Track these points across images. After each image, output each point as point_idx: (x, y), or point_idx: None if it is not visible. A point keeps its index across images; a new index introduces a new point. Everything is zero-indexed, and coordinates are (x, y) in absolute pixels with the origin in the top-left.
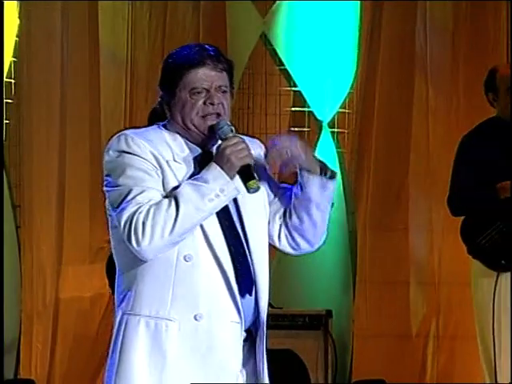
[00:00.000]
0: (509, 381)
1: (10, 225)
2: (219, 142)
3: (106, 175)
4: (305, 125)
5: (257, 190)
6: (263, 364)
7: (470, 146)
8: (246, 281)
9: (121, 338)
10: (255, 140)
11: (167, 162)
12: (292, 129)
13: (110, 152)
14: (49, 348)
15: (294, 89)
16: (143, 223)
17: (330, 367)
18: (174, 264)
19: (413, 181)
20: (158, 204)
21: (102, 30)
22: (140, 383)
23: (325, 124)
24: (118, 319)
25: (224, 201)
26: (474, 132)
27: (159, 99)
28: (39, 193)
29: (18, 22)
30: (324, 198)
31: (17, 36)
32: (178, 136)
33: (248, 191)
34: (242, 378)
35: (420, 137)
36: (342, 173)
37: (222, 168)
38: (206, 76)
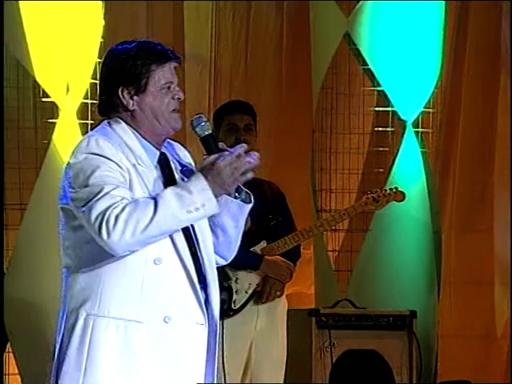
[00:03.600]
0: None
1: None
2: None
3: (72, 177)
4: (388, 125)
5: (244, 200)
6: (216, 361)
7: None
8: (203, 282)
9: (87, 339)
10: (177, 144)
11: (133, 165)
12: (376, 129)
13: (78, 154)
14: None
15: (377, 88)
16: (116, 216)
17: (414, 368)
18: (143, 267)
19: (498, 180)
20: (135, 202)
21: (186, 29)
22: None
23: (409, 124)
24: (80, 321)
25: (202, 215)
26: None
27: (101, 92)
28: None
29: (103, 23)
30: (242, 219)
31: (102, 37)
32: (131, 134)
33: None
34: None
35: (505, 136)
36: (426, 173)
37: (209, 183)
38: (171, 72)
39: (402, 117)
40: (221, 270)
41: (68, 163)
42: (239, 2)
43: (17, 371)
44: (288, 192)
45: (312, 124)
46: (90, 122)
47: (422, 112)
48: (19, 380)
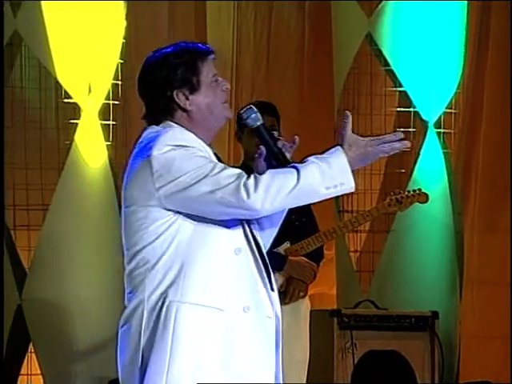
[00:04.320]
0: None
1: (117, 226)
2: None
3: (161, 168)
4: (410, 125)
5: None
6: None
7: None
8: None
9: (171, 325)
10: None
11: (209, 155)
12: (398, 129)
13: (161, 146)
14: None
15: (399, 89)
16: (256, 179)
17: (436, 369)
18: (225, 256)
19: None
20: (274, 170)
21: (208, 30)
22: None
23: (430, 124)
24: (164, 307)
25: (338, 193)
26: None
27: (151, 101)
28: None
29: (125, 23)
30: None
31: (124, 37)
32: (190, 133)
33: None
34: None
35: None
36: (448, 173)
37: (349, 160)
38: (213, 64)
39: (424, 117)
40: None
41: (146, 157)
42: (261, 2)
43: (39, 371)
44: None
45: (334, 124)
46: (111, 122)
47: (444, 113)
48: (41, 380)
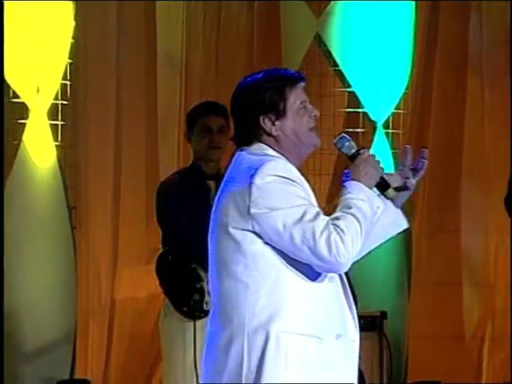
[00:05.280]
0: None
1: (66, 226)
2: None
3: (259, 197)
4: (359, 126)
5: (393, 198)
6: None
7: None
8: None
9: (284, 355)
10: None
11: (306, 189)
12: (346, 130)
13: (264, 175)
14: (104, 348)
15: (348, 90)
16: (340, 237)
17: (384, 368)
18: (321, 285)
19: (468, 181)
20: (344, 219)
21: (158, 30)
22: None
23: (379, 125)
24: (272, 339)
25: (379, 214)
26: None
27: (240, 123)
28: (95, 194)
29: (73, 23)
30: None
31: (73, 38)
32: (294, 168)
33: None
34: None
35: (475, 137)
36: None
37: (367, 186)
38: (302, 91)
39: (373, 118)
40: (193, 271)
41: (247, 184)
42: (210, 2)
43: None
44: None
45: None
46: (60, 122)
47: (393, 113)
48: None
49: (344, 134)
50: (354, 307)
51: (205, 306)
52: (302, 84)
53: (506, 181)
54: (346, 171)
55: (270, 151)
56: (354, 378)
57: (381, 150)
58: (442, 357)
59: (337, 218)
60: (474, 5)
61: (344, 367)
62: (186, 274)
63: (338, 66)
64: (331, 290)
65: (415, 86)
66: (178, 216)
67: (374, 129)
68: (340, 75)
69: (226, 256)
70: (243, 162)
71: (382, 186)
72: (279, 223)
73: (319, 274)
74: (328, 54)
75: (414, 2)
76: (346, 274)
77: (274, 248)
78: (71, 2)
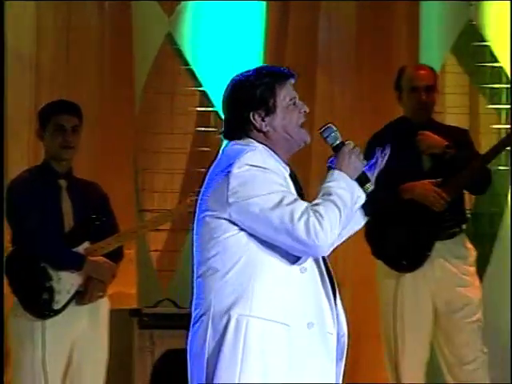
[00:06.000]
0: (410, 381)
1: None
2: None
3: (237, 186)
4: (211, 124)
5: (370, 191)
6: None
7: (375, 146)
8: (334, 293)
9: (241, 339)
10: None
11: (285, 178)
12: (198, 128)
13: (242, 165)
14: None
15: (199, 88)
16: (319, 221)
17: None
18: (291, 274)
19: (316, 179)
20: (323, 205)
21: (8, 27)
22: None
23: None
24: (232, 321)
25: (359, 205)
26: (381, 132)
27: (230, 119)
28: None
29: None
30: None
31: None
32: (272, 153)
33: (364, 192)
34: None
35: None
36: None
37: (350, 176)
38: (292, 88)
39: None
40: (42, 270)
41: (226, 173)
42: (60, 1)
43: None
44: (111, 192)
45: (135, 124)
46: None
47: None
48: None
49: (331, 125)
50: (332, 299)
51: (54, 305)
52: (292, 81)
53: None
54: (330, 159)
55: (256, 144)
56: (328, 372)
57: None
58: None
59: (316, 204)
60: (323, 5)
61: (313, 357)
62: (35, 273)
63: (189, 64)
64: (305, 279)
65: None
66: (28, 214)
67: None
68: (191, 74)
69: (201, 243)
70: (227, 152)
71: (362, 180)
72: (257, 209)
73: (291, 264)
74: (179, 53)
75: (264, 2)
76: (327, 267)
77: (247, 235)
78: None
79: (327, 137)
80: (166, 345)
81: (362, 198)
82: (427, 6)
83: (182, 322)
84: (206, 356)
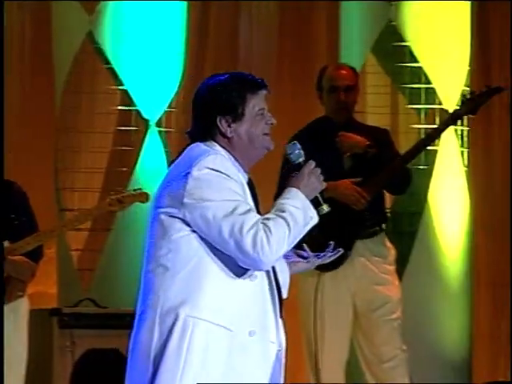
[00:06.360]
0: (330, 380)
1: None
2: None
3: (193, 187)
4: (132, 124)
5: (327, 212)
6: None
7: None
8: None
9: (187, 339)
10: None
11: (243, 185)
12: (119, 128)
13: (202, 168)
14: None
15: (120, 87)
16: (267, 236)
17: None
18: (241, 280)
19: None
20: (272, 220)
21: None
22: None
23: (152, 123)
24: (179, 321)
25: (311, 225)
26: (302, 132)
27: (197, 121)
28: None
29: None
30: None
31: None
32: (233, 159)
33: (318, 214)
34: None
35: None
36: None
37: (306, 196)
38: (263, 99)
39: (145, 116)
40: None
41: (186, 173)
42: None
43: None
44: (31, 191)
45: (55, 123)
46: None
47: (165, 111)
48: None
49: (296, 142)
50: (278, 310)
51: None
52: (264, 92)
53: None
54: (291, 175)
55: (218, 148)
56: (263, 379)
57: (154, 148)
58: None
59: (267, 219)
60: (243, 5)
61: (252, 364)
62: None
63: (110, 63)
64: (253, 287)
65: (187, 84)
66: None
67: (147, 127)
68: (112, 73)
69: (152, 240)
70: (189, 152)
71: (319, 201)
72: (210, 214)
73: (241, 270)
74: (100, 52)
75: (185, 2)
76: (276, 278)
77: (200, 237)
78: None
79: (291, 153)
80: (87, 344)
81: (314, 219)
82: (347, 5)
83: (102, 321)
84: (153, 353)
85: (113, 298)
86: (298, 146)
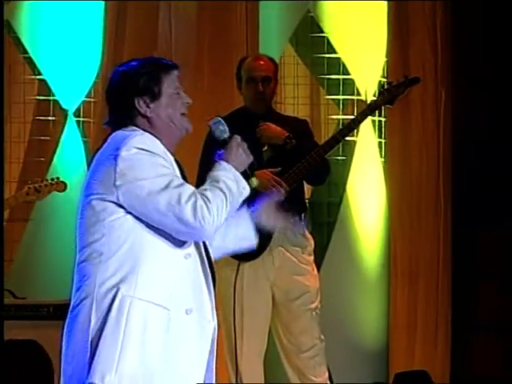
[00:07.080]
0: (248, 370)
1: None
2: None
3: (124, 169)
4: (50, 114)
5: (256, 187)
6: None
7: None
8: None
9: (124, 319)
10: None
11: (171, 163)
12: (37, 117)
13: (129, 148)
14: None
15: (38, 77)
16: (206, 205)
17: None
18: (176, 259)
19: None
20: (211, 190)
21: None
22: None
23: (70, 113)
24: (116, 301)
25: (244, 196)
26: None
27: (115, 107)
28: None
29: None
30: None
31: None
32: (159, 142)
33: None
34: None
35: None
36: (87, 162)
37: (236, 168)
38: (177, 79)
39: (64, 106)
40: None
41: (113, 156)
42: None
43: None
44: None
45: None
46: None
47: (84, 101)
48: None
49: (220, 119)
50: (212, 288)
51: None
52: (176, 72)
53: None
54: (218, 152)
55: (141, 131)
56: (200, 357)
57: (72, 138)
58: None
59: (204, 189)
60: (162, 5)
61: (189, 342)
62: None
63: (28, 53)
64: (187, 266)
65: (104, 75)
66: None
67: (66, 117)
68: (30, 62)
69: (85, 227)
70: (113, 138)
71: (247, 174)
72: (145, 192)
73: (176, 249)
74: (18, 41)
75: (103, 2)
76: (208, 255)
77: (133, 219)
78: None
79: (215, 130)
80: (5, 335)
81: (246, 190)
82: None
83: (19, 312)
84: (91, 337)
85: (31, 289)
86: (222, 121)
